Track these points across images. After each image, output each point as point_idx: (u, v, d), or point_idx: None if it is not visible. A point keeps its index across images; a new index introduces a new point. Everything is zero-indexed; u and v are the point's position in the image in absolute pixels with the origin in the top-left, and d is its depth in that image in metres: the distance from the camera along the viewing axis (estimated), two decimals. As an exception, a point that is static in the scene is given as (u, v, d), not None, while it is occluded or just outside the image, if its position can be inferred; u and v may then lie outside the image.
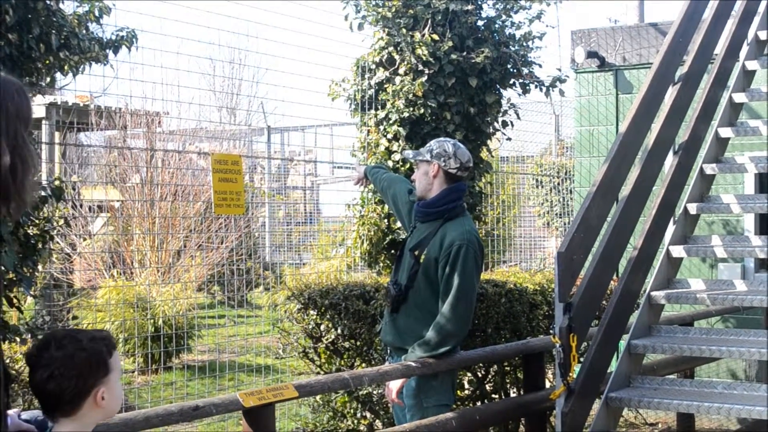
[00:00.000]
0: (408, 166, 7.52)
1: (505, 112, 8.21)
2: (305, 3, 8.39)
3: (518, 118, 8.49)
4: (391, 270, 5.85)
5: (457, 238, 5.28)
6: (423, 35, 7.64)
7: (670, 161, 6.49)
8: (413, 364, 5.15)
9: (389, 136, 7.66)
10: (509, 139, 8.80)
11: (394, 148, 7.61)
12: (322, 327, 6.95)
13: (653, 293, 6.17)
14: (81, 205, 13.15)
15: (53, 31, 6.11)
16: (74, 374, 2.82)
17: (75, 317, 11.69)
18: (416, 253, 5.38)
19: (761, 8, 7.53)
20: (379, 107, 7.80)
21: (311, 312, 6.97)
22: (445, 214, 5.40)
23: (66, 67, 6.63)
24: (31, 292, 6.88)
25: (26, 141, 2.62)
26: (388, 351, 5.65)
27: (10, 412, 3.07)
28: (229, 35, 22.97)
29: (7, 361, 6.95)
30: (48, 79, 6.72)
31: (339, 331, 6.83)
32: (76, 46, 6.36)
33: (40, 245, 6.11)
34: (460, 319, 5.23)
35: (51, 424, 2.94)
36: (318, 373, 7.07)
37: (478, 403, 7.27)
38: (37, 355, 2.84)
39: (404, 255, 5.54)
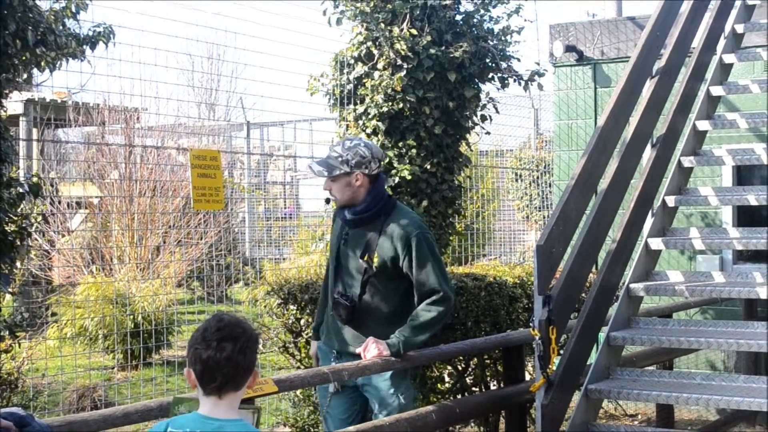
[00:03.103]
0: (386, 160, 7.52)
1: (484, 106, 8.22)
2: (283, -2, 8.39)
3: (497, 112, 8.50)
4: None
5: (410, 231, 5.22)
6: (401, 30, 7.63)
7: (648, 154, 6.52)
8: (392, 358, 5.15)
9: (368, 131, 7.66)
10: (488, 133, 8.81)
11: (373, 143, 7.60)
12: (302, 322, 6.95)
13: (632, 285, 6.20)
14: (59, 202, 13.11)
15: (29, 27, 6.08)
16: (255, 348, 3.16)
17: (54, 314, 11.64)
18: (366, 258, 5.27)
19: (738, 2, 7.57)
20: (358, 102, 7.80)
21: (291, 307, 6.97)
22: (382, 212, 5.32)
23: (43, 64, 6.60)
24: (9, 289, 6.85)
25: None
26: (334, 354, 5.45)
27: (-12, 409, 3.06)
28: (207, 31, 22.94)
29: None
30: (25, 76, 6.70)
31: (319, 325, 6.83)
32: (53, 42, 6.33)
33: (17, 242, 6.09)
34: (448, 298, 5.21)
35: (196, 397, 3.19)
36: (298, 367, 7.07)
37: (459, 396, 7.29)
38: (221, 330, 3.10)
39: (343, 264, 5.38)
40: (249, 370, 3.15)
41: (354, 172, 5.28)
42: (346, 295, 5.32)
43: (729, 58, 7.41)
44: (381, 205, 5.33)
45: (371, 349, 5.16)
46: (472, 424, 7.86)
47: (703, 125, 7.04)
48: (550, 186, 14.32)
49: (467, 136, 8.22)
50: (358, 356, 5.27)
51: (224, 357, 3.06)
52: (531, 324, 5.28)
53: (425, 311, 5.19)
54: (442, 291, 5.18)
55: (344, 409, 5.46)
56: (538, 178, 16.84)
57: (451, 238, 8.27)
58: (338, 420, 5.43)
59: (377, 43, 7.73)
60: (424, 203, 7.58)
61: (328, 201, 5.47)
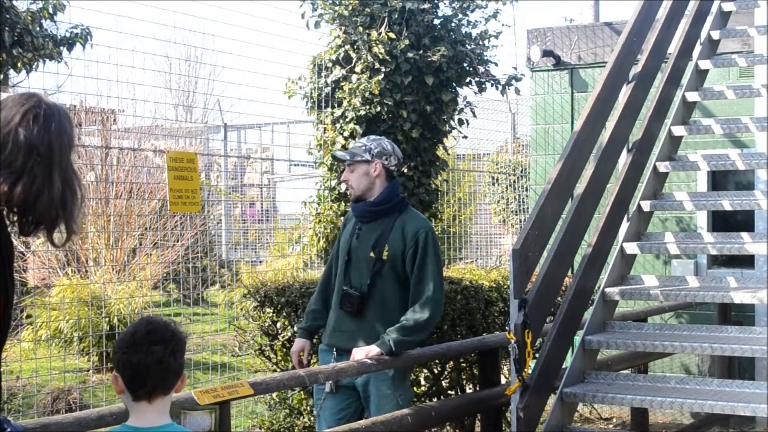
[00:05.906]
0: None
1: (462, 110, 8.24)
2: (262, 1, 8.37)
3: (474, 116, 8.52)
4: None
5: (420, 227, 5.41)
6: (380, 33, 7.64)
7: (624, 159, 6.55)
8: (369, 361, 5.16)
9: (345, 134, 7.66)
10: (465, 137, 8.83)
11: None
12: (279, 324, 6.95)
13: (607, 289, 6.22)
14: (35, 203, 13.00)
15: (6, 28, 6.06)
16: (184, 351, 3.13)
17: (29, 316, 11.57)
18: (377, 250, 5.39)
19: (714, 8, 7.62)
20: (336, 105, 7.80)
21: (267, 310, 6.96)
22: (396, 209, 5.48)
23: (19, 65, 6.58)
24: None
25: (74, 170, 2.69)
26: (334, 354, 5.49)
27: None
28: (185, 33, 22.86)
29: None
30: (1, 76, 6.67)
31: (295, 328, 6.82)
32: (30, 43, 6.32)
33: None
34: (439, 301, 5.36)
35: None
36: (274, 370, 7.06)
37: (434, 400, 7.29)
38: (150, 333, 3.06)
39: (354, 259, 5.49)
40: (178, 373, 3.12)
41: (374, 161, 5.46)
42: (354, 287, 5.43)
43: (705, 64, 7.46)
44: (396, 201, 5.52)
45: (358, 353, 5.25)
46: (448, 428, 7.86)
47: (679, 131, 7.08)
48: (526, 190, 14.35)
49: (444, 139, 8.25)
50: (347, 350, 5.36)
51: (155, 360, 3.03)
52: (507, 327, 5.29)
53: (416, 313, 5.30)
54: (434, 294, 5.30)
55: (338, 410, 5.48)
56: (514, 182, 16.86)
57: (427, 241, 8.27)
58: (330, 419, 5.46)
59: (355, 47, 7.74)
60: (401, 207, 7.58)
61: (345, 194, 5.52)
